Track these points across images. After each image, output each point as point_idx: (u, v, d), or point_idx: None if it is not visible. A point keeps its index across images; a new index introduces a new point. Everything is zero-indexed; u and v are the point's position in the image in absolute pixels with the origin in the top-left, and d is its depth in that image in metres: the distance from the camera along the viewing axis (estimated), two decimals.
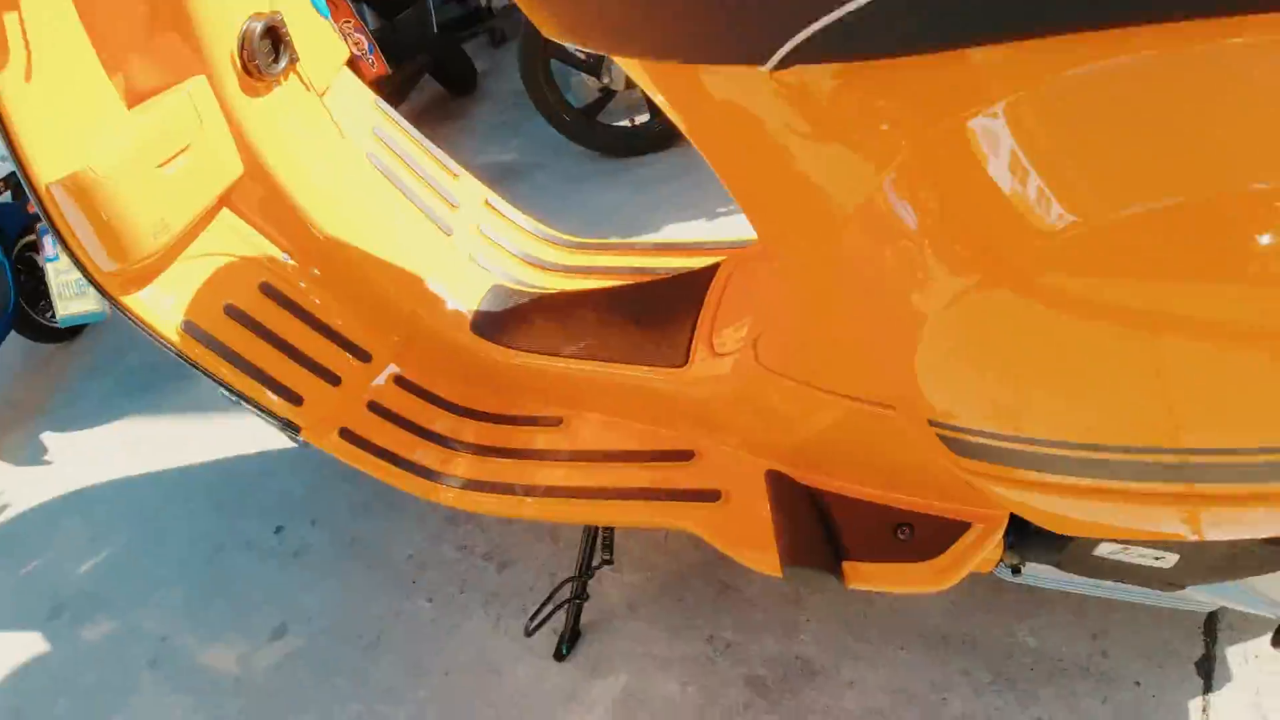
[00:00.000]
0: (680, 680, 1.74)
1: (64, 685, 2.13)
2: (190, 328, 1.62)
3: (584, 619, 1.89)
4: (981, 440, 1.00)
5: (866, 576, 1.32)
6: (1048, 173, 0.82)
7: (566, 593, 1.82)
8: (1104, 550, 1.25)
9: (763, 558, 1.39)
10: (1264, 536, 1.03)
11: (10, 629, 2.30)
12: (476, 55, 4.76)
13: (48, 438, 3.03)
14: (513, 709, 1.78)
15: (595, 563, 1.81)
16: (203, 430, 2.80)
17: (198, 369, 1.62)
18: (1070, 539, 1.25)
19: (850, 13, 0.83)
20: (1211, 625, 1.60)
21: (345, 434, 1.71)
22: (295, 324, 1.74)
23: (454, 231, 1.96)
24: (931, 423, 1.04)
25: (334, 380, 1.75)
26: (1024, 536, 1.32)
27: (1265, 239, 0.75)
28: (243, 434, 2.69)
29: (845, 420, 1.27)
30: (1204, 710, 1.51)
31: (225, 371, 1.63)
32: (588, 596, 1.85)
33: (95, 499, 2.69)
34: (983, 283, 0.86)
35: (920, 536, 1.31)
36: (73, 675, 2.17)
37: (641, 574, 1.94)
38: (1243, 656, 1.56)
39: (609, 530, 1.83)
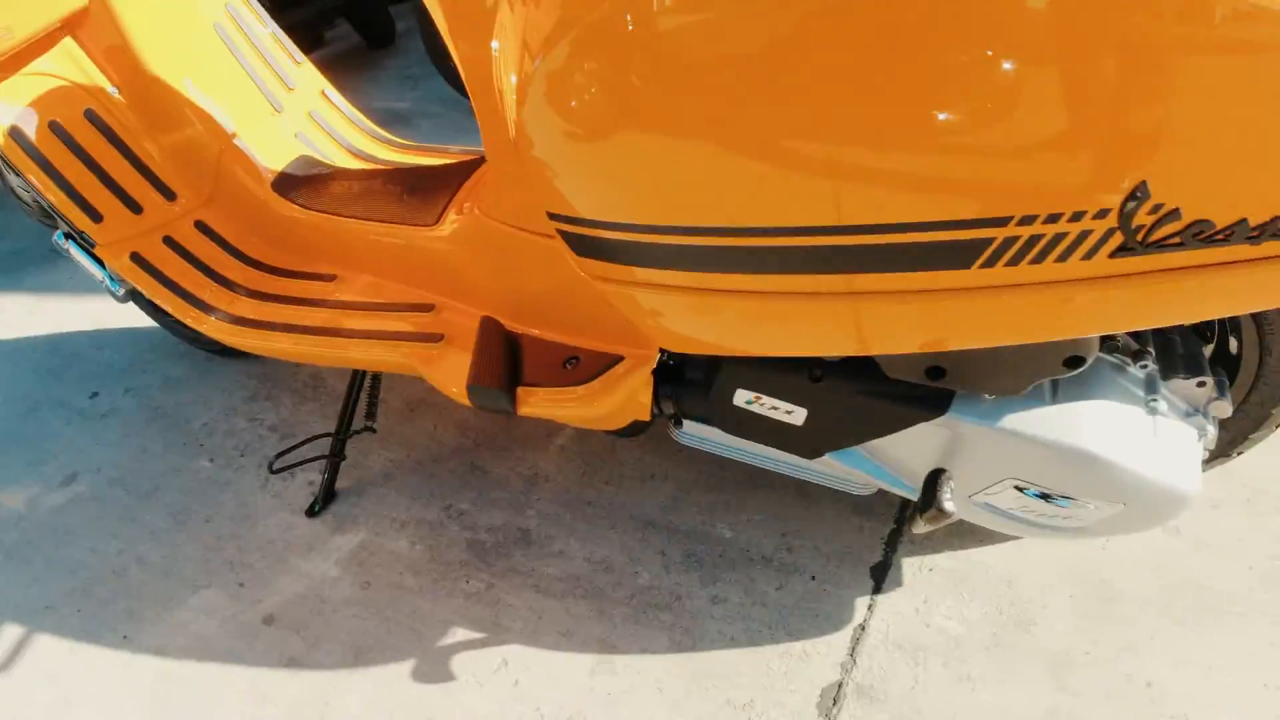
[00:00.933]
0: (411, 539, 1.85)
1: None
2: (16, 134, 1.75)
3: (342, 483, 1.99)
4: (594, 232, 1.13)
5: (534, 400, 1.45)
6: None
7: (322, 451, 1.93)
8: (740, 399, 1.38)
9: (456, 386, 1.52)
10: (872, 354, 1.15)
11: None
12: (402, 15, 4.90)
13: None
14: (256, 553, 1.88)
15: (358, 427, 1.92)
16: (50, 309, 2.89)
17: (13, 171, 1.74)
18: (712, 386, 1.38)
19: None
20: (894, 537, 1.74)
21: (136, 258, 1.83)
22: (111, 152, 1.86)
23: (283, 109, 2.08)
24: (551, 216, 1.16)
25: (136, 209, 1.87)
26: (679, 386, 1.45)
27: None
28: (84, 315, 2.78)
29: (526, 255, 1.40)
30: (869, 608, 1.63)
31: (38, 179, 1.75)
32: (345, 457, 1.96)
33: None
34: (570, 48, 0.99)
35: (583, 367, 1.45)
36: None
37: (402, 450, 2.05)
38: (919, 568, 1.69)
39: (374, 398, 1.94)
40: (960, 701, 1.49)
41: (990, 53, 0.86)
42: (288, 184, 1.91)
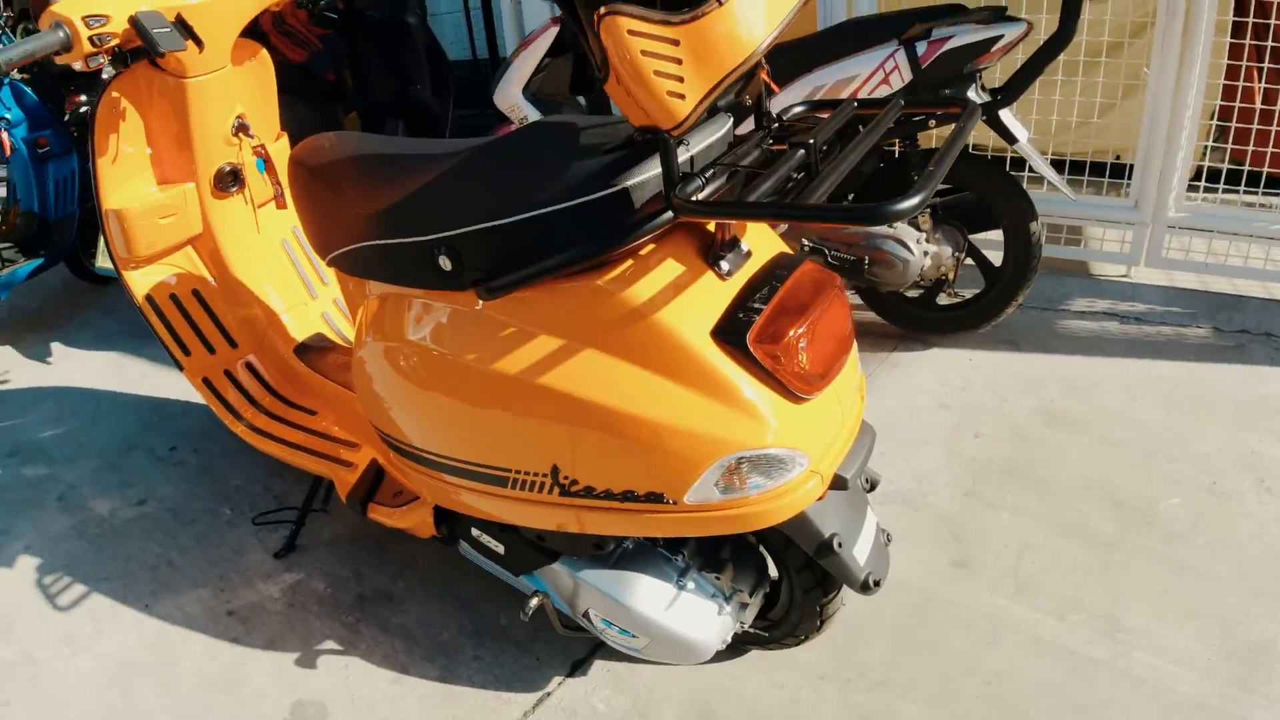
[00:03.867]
0: (325, 584, 3.03)
1: None
2: (149, 298, 3.03)
3: (303, 541, 3.20)
4: (390, 442, 2.36)
5: (376, 512, 2.70)
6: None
7: (293, 517, 3.16)
8: (474, 532, 2.55)
9: (343, 494, 2.76)
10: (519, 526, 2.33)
11: None
12: None
13: (55, 346, 4.49)
14: (237, 573, 3.09)
15: (316, 505, 3.16)
16: (162, 375, 4.22)
17: (144, 318, 3.02)
18: (460, 520, 2.54)
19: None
20: (598, 647, 2.87)
21: (205, 381, 3.10)
22: (204, 316, 3.14)
23: (317, 297, 3.37)
24: (376, 429, 2.40)
25: (211, 351, 3.14)
26: (448, 518, 2.61)
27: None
28: (181, 388, 4.08)
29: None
30: (559, 684, 2.73)
31: (157, 323, 3.02)
32: (305, 524, 3.18)
33: (70, 394, 4.11)
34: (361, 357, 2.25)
35: (402, 498, 2.66)
36: (3, 493, 3.55)
37: (346, 529, 3.26)
38: (603, 668, 2.71)
39: (329, 490, 3.17)
40: None
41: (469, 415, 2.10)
42: (302, 350, 3.18)
